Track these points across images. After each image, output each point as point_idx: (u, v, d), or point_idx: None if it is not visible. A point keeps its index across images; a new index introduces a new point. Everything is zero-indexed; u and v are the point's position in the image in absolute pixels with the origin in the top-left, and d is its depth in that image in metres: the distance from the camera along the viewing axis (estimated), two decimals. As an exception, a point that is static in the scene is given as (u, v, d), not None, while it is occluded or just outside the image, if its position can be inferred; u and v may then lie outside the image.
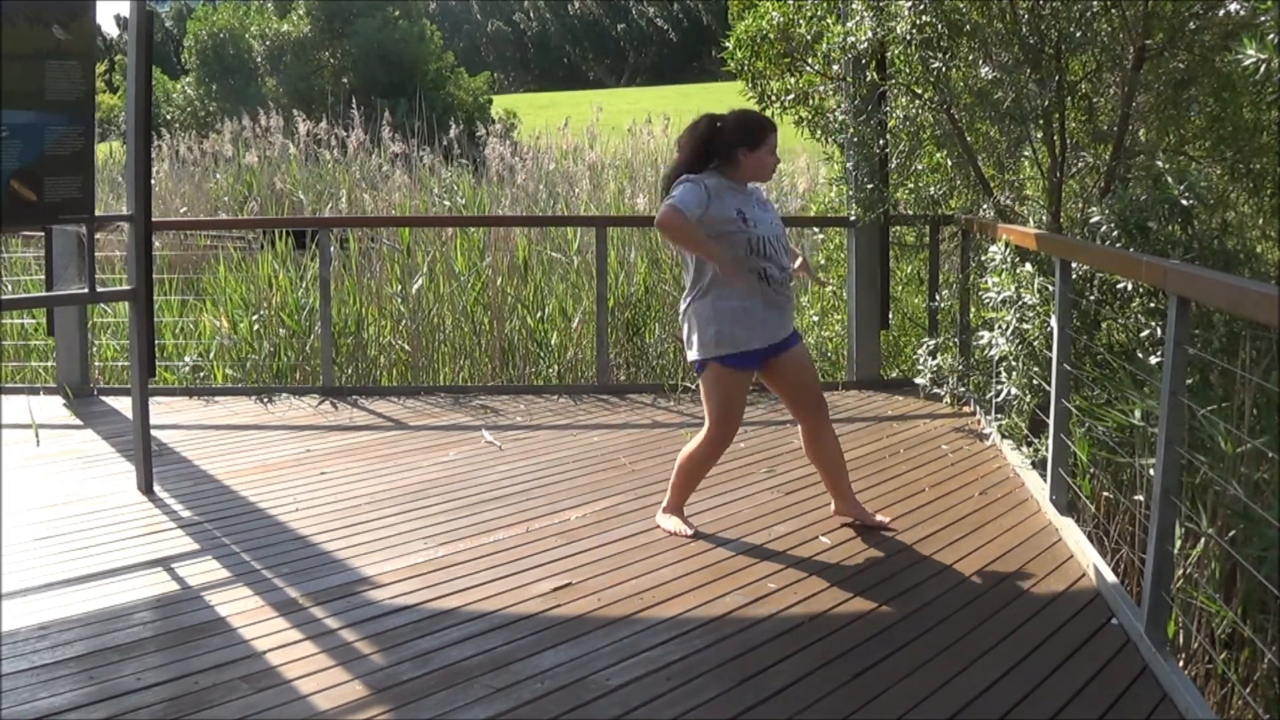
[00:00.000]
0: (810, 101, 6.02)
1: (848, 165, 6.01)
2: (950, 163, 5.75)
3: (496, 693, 2.71)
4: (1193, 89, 4.91)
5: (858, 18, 5.38)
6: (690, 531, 3.85)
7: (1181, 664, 3.08)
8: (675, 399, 5.97)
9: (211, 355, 7.20)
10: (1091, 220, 4.37)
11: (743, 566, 3.57)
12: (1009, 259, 4.66)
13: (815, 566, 3.58)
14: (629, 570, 3.52)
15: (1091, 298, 4.51)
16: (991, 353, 4.71)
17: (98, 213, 4.23)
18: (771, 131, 3.72)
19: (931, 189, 5.79)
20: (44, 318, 6.50)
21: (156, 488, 4.33)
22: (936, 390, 5.78)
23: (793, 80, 5.97)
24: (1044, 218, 5.30)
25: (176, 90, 31.16)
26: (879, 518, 3.98)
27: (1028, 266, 4.55)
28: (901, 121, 5.72)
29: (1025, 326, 4.50)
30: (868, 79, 5.69)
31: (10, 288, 8.16)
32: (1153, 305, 4.25)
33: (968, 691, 2.74)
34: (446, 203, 9.87)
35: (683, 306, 3.79)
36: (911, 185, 5.88)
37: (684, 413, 5.63)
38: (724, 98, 5.34)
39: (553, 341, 7.33)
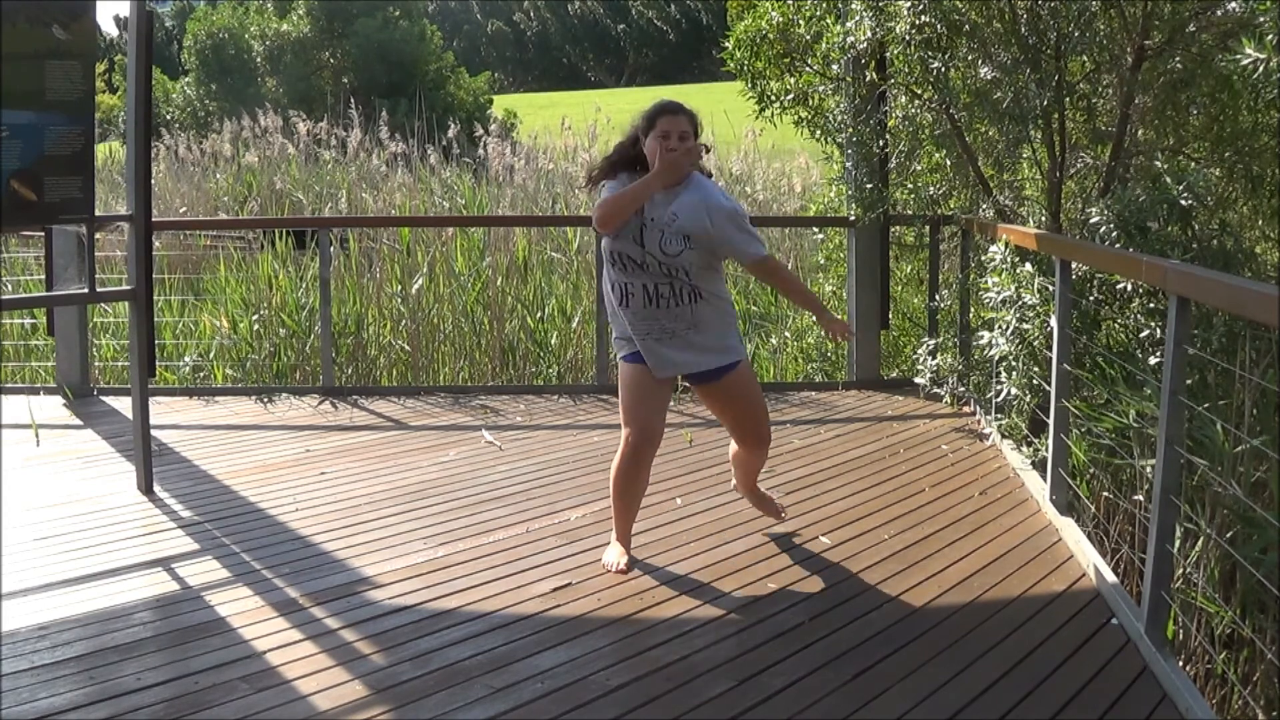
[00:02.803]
0: (810, 101, 6.02)
1: (847, 165, 6.01)
2: (950, 163, 5.75)
3: (496, 693, 2.71)
4: (1191, 89, 4.91)
5: (857, 18, 5.37)
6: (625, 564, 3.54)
7: (1181, 664, 3.08)
8: (674, 399, 5.96)
9: (211, 355, 7.20)
10: (1091, 220, 4.37)
11: (743, 566, 3.57)
12: (1009, 259, 4.66)
13: (815, 566, 3.58)
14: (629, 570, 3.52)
15: (1091, 298, 4.52)
16: (991, 353, 4.71)
17: (98, 213, 4.23)
18: (662, 114, 3.34)
19: (931, 189, 5.80)
20: (44, 318, 6.50)
21: (156, 488, 4.33)
22: (936, 390, 5.78)
23: (792, 80, 5.96)
24: (1044, 218, 5.30)
25: (176, 90, 31.18)
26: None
27: (1028, 266, 4.55)
28: (901, 121, 5.72)
29: (1025, 326, 4.50)
30: (867, 79, 5.70)
31: (10, 288, 8.16)
32: (1152, 305, 4.26)
33: (968, 691, 2.75)
34: (446, 203, 9.88)
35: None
36: (911, 185, 5.89)
37: (683, 412, 5.62)
38: (724, 98, 5.34)
39: (553, 341, 7.33)
